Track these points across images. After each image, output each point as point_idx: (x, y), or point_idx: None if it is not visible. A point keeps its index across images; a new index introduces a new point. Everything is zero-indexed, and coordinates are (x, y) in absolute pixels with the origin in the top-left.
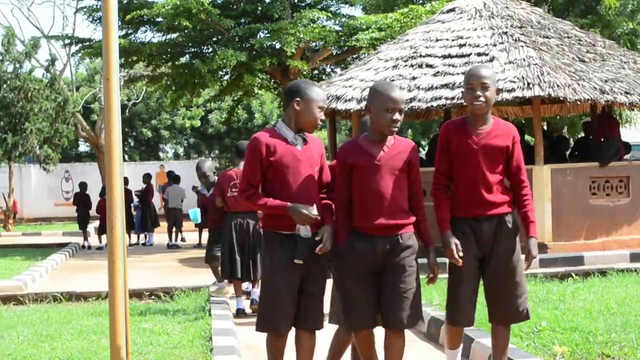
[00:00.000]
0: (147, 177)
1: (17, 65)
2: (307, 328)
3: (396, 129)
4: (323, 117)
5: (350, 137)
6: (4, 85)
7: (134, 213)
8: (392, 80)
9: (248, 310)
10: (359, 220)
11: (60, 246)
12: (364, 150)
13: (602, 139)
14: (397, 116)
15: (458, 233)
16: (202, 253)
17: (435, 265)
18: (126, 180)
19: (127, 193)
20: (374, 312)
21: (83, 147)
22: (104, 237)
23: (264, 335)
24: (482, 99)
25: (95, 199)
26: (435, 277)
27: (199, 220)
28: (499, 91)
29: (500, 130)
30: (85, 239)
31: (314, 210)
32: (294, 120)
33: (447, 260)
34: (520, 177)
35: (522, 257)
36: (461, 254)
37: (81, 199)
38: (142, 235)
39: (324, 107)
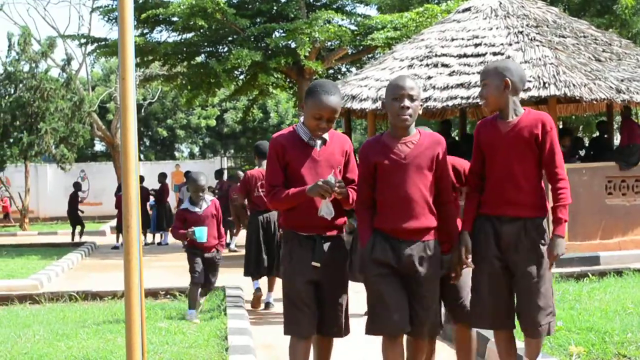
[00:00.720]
0: (162, 177)
1: (33, 65)
2: (327, 334)
3: (408, 119)
4: (324, 126)
5: (369, 136)
6: (20, 85)
7: (150, 212)
8: None
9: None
10: (383, 222)
11: (75, 245)
12: (388, 147)
13: (628, 144)
14: (405, 103)
15: (479, 232)
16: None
17: (458, 265)
18: (142, 179)
19: (144, 191)
20: (402, 316)
21: (99, 146)
22: (120, 236)
23: (280, 334)
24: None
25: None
26: (458, 276)
27: (205, 240)
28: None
29: (528, 120)
30: (79, 235)
31: (330, 177)
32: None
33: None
34: (553, 170)
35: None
36: (470, 256)
37: (71, 199)
38: (157, 235)
39: (323, 116)
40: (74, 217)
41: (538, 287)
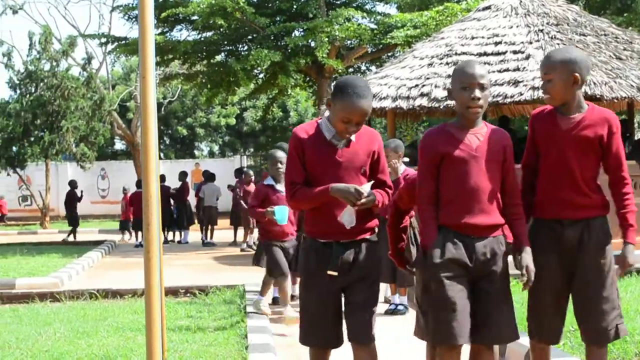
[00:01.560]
0: (182, 175)
1: (54, 64)
2: (356, 341)
3: (478, 111)
4: (353, 130)
5: (389, 136)
6: (41, 84)
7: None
8: (427, 79)
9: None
10: (451, 217)
11: (96, 244)
12: (456, 138)
13: None
14: (476, 93)
15: (537, 238)
16: (237, 251)
17: (529, 269)
18: (163, 178)
19: (165, 189)
20: (467, 325)
21: (119, 145)
22: (139, 233)
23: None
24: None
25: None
26: (530, 281)
27: (285, 221)
28: (534, 89)
29: (594, 118)
30: (71, 235)
31: (366, 186)
32: (331, 119)
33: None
34: (620, 174)
35: (615, 267)
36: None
37: (68, 198)
38: (177, 233)
39: (352, 120)
40: (72, 216)
41: (606, 286)
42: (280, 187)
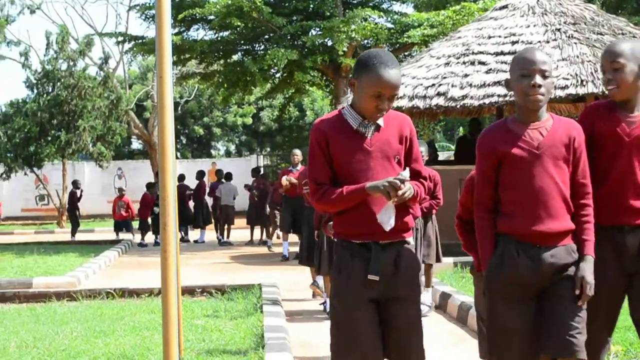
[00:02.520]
0: (200, 174)
1: (71, 63)
2: None
3: (539, 99)
4: (385, 107)
5: None
6: (58, 83)
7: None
8: (444, 78)
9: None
10: (513, 225)
11: (113, 243)
12: (515, 135)
13: None
14: (537, 80)
15: (596, 246)
16: (253, 250)
17: (587, 282)
18: (182, 177)
19: (182, 189)
20: (530, 346)
21: (135, 144)
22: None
23: (315, 331)
24: (613, 83)
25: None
26: (586, 297)
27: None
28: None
29: None
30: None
31: (404, 173)
32: (356, 103)
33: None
34: None
35: None
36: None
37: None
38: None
39: (384, 94)
40: (73, 215)
41: None
42: None
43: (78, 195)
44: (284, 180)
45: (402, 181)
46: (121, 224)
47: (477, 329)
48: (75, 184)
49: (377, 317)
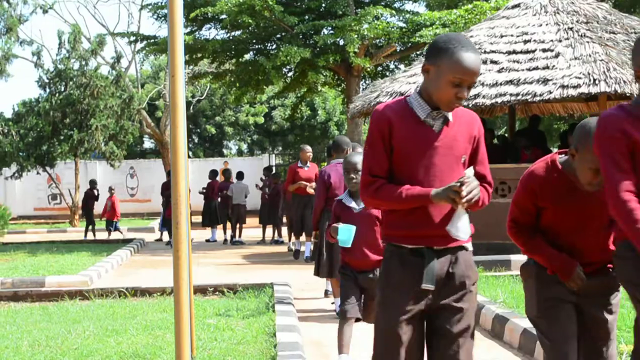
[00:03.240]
0: (212, 174)
1: (83, 63)
2: None
3: None
4: (463, 96)
5: None
6: (71, 83)
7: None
8: None
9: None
10: None
11: (125, 242)
12: None
13: None
14: None
15: None
16: (265, 249)
17: None
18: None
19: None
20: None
21: (148, 143)
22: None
23: (328, 331)
24: None
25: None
26: None
27: (349, 244)
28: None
29: None
30: (89, 233)
31: (468, 172)
32: (427, 92)
33: None
34: None
35: None
36: None
37: (85, 197)
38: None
39: (464, 82)
40: (88, 215)
41: None
42: (352, 204)
43: (95, 194)
44: (309, 189)
45: (462, 183)
46: (110, 223)
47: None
48: (93, 183)
49: (423, 329)
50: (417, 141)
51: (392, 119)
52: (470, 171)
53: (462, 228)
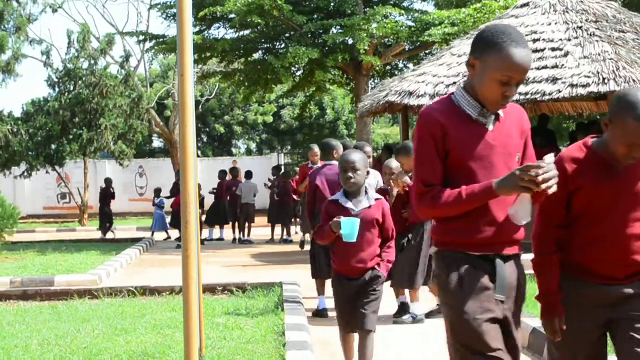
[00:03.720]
0: (222, 173)
1: (92, 62)
2: None
3: None
4: (511, 94)
5: None
6: (80, 82)
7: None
8: (465, 76)
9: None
10: None
11: (134, 241)
12: None
13: None
14: None
15: None
16: (274, 249)
17: None
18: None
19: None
20: None
21: (157, 143)
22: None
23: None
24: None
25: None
26: None
27: (354, 238)
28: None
29: None
30: (104, 233)
31: (548, 158)
32: (474, 88)
33: None
34: None
35: None
36: None
37: (103, 195)
38: (214, 231)
39: (513, 79)
40: (105, 213)
41: None
42: (349, 204)
43: (112, 192)
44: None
45: (539, 166)
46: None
47: None
48: (108, 182)
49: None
50: (473, 142)
51: (444, 122)
52: (550, 157)
53: (524, 211)
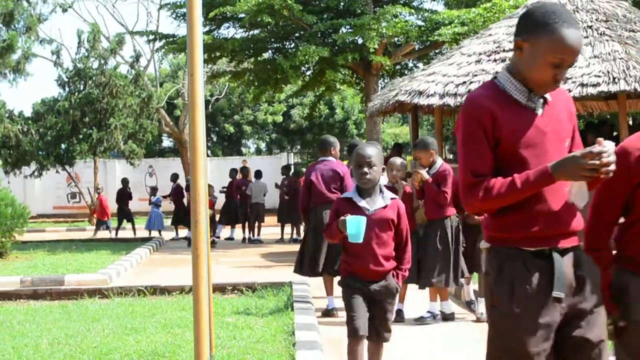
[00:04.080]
0: (232, 172)
1: (102, 62)
2: None
3: None
4: (562, 77)
5: (436, 133)
6: (90, 82)
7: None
8: (475, 75)
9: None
10: None
11: (144, 240)
12: None
13: None
14: None
15: None
16: (284, 248)
17: None
18: (176, 176)
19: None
20: None
21: (166, 142)
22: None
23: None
24: None
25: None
26: None
27: (360, 239)
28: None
29: None
30: (134, 231)
31: (608, 144)
32: (520, 71)
33: None
34: None
35: None
36: None
37: (120, 195)
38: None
39: (565, 62)
40: (124, 213)
41: None
42: (362, 202)
43: (129, 192)
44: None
45: (600, 151)
46: (100, 222)
47: None
48: (125, 182)
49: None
50: (524, 129)
51: (493, 108)
52: (610, 143)
53: (581, 194)
